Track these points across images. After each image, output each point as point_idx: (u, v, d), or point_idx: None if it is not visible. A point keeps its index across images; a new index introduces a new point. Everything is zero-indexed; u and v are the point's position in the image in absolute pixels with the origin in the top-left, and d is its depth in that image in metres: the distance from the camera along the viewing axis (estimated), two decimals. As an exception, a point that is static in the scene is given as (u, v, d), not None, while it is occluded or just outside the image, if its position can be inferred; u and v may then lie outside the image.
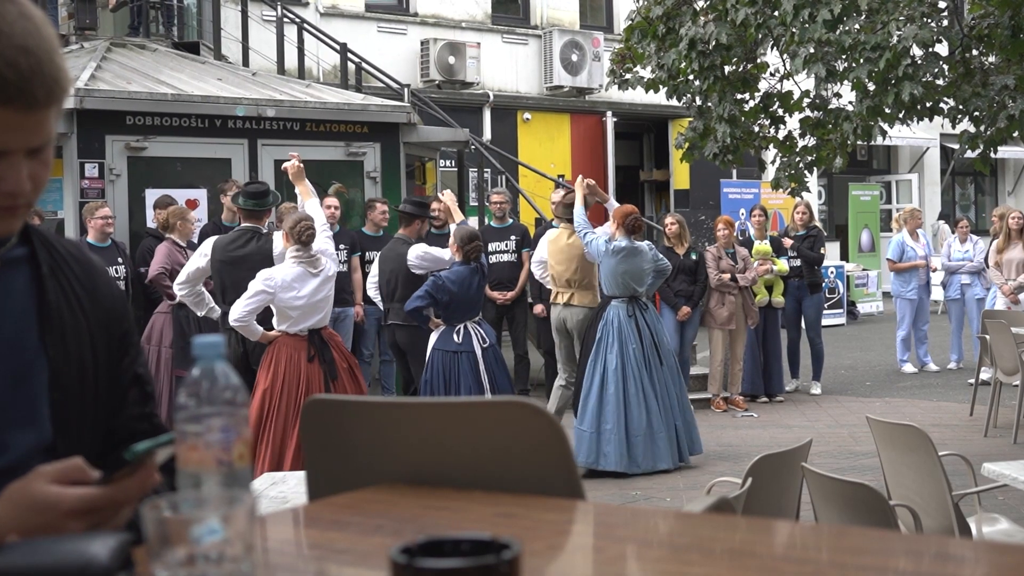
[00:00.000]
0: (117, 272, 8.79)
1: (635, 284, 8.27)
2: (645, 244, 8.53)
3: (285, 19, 13.25)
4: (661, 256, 8.75)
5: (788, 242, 11.39)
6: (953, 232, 13.36)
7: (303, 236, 6.97)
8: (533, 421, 1.49)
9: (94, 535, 1.27)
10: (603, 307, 8.37)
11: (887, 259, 13.17)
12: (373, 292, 9.12)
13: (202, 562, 1.09)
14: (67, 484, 1.36)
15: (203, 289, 7.87)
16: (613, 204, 8.65)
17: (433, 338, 7.97)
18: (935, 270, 13.07)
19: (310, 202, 7.46)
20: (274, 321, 7.06)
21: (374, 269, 9.14)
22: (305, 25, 13.48)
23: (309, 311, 6.99)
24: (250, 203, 7.59)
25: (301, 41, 13.29)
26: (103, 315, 1.65)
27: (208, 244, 7.62)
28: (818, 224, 12.04)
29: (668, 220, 10.83)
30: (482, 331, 7.99)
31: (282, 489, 4.74)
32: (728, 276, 10.60)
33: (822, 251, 11.61)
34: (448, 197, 9.00)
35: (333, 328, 9.58)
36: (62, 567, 1.22)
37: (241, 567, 1.10)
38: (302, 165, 7.62)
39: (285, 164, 7.80)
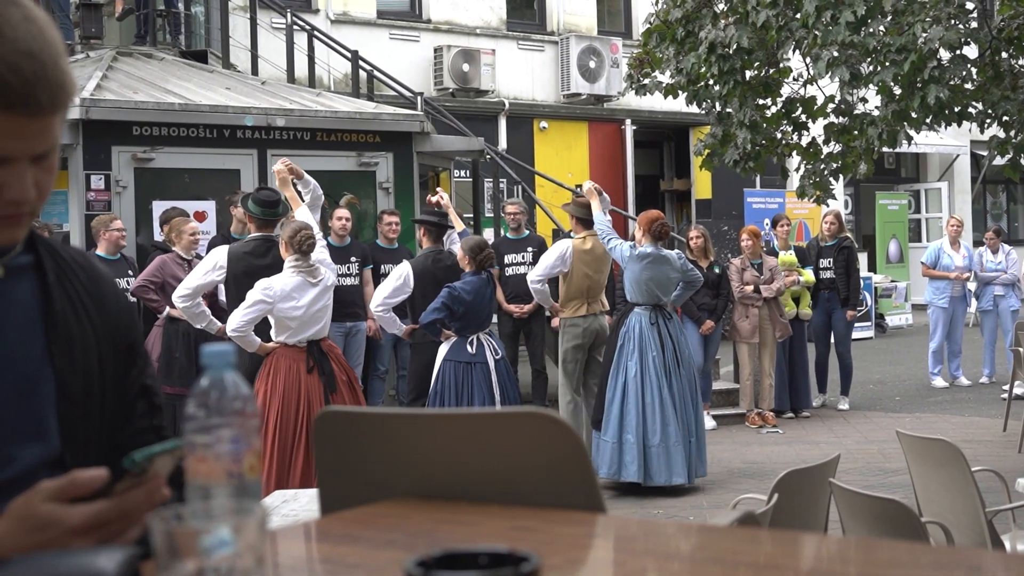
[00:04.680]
0: (127, 285, 8.58)
1: (660, 292, 8.12)
2: (674, 253, 8.41)
3: (295, 27, 13.07)
4: (691, 266, 8.56)
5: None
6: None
7: (303, 245, 6.77)
8: (551, 432, 1.45)
9: (101, 549, 1.25)
10: (625, 314, 8.21)
11: (920, 262, 13.05)
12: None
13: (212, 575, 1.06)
14: (68, 501, 1.33)
15: (202, 302, 7.55)
16: (600, 217, 8.32)
17: (444, 349, 7.79)
18: (966, 278, 12.65)
19: (300, 210, 7.22)
20: (272, 332, 6.87)
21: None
22: (315, 33, 13.33)
23: (308, 321, 6.81)
24: (264, 212, 7.30)
25: (311, 49, 13.12)
26: (110, 325, 1.63)
27: (221, 256, 7.21)
28: (848, 235, 11.70)
29: (693, 233, 10.62)
30: (494, 343, 7.91)
31: (294, 507, 4.72)
32: (751, 288, 10.34)
33: (856, 265, 11.37)
34: (445, 201, 8.82)
35: (346, 343, 9.43)
36: None
37: None
38: (295, 167, 7.34)
39: (275, 167, 7.43)
